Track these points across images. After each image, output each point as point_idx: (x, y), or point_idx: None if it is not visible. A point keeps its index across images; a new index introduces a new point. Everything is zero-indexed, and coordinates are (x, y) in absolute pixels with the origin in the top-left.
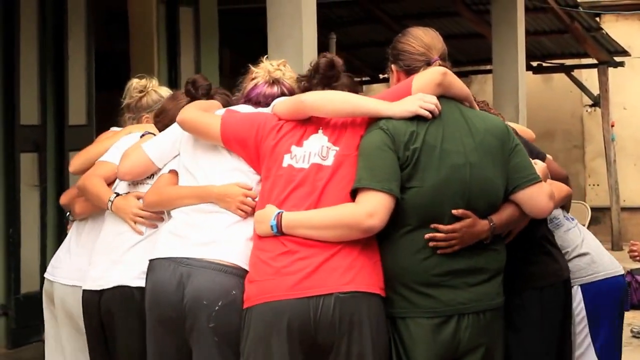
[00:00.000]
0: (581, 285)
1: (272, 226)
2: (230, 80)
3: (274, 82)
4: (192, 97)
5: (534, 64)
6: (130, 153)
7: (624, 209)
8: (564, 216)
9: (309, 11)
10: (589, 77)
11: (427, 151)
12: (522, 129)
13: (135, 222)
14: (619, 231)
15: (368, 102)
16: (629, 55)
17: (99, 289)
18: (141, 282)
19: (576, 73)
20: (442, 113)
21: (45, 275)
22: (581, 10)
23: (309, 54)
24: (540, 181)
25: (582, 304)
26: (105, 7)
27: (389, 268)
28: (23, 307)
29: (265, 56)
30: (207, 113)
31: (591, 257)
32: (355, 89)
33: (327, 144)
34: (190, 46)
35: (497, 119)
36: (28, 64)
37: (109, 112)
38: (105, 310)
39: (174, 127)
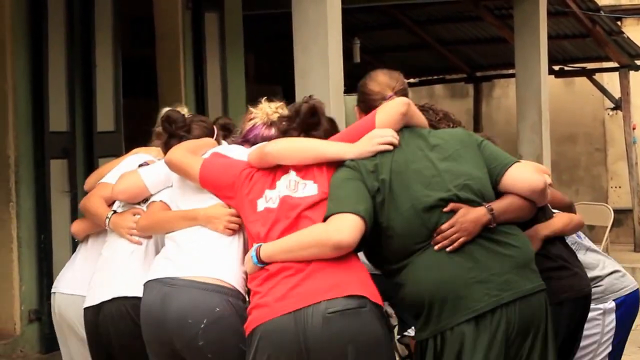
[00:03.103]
0: (615, 300)
1: (252, 257)
2: (255, 86)
3: (272, 124)
4: (170, 133)
5: (556, 67)
6: (127, 176)
7: None
8: (579, 236)
9: (334, 17)
10: (610, 81)
11: (397, 178)
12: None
13: (131, 235)
14: None
15: (330, 148)
16: None
17: (98, 302)
18: (139, 292)
19: (598, 76)
20: (403, 140)
21: (52, 289)
22: (602, 14)
23: (335, 60)
24: (518, 161)
25: (613, 316)
26: (131, 14)
27: (422, 288)
28: None
29: (264, 97)
30: (192, 155)
31: (622, 272)
32: (335, 132)
33: (295, 178)
34: (215, 52)
35: (455, 129)
36: (56, 72)
37: (136, 118)
38: (103, 328)
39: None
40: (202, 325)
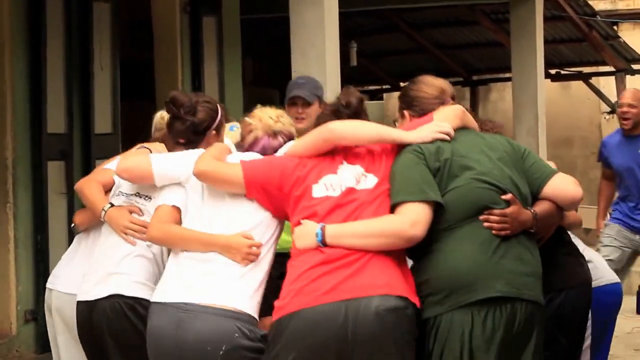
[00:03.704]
0: None
1: (317, 234)
2: (252, 89)
3: (276, 133)
4: (175, 116)
5: (553, 71)
6: (137, 155)
7: None
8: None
9: (331, 20)
10: (607, 85)
11: (457, 159)
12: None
13: (126, 234)
14: None
15: (391, 130)
16: None
17: (92, 299)
18: (135, 292)
19: (594, 80)
20: (460, 135)
21: (47, 284)
22: (599, 18)
23: (332, 63)
24: (558, 172)
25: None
26: (129, 17)
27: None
28: None
29: (259, 105)
30: (223, 162)
31: (594, 264)
32: (367, 118)
33: (361, 170)
34: (213, 55)
35: (502, 136)
36: (54, 74)
37: (134, 120)
38: (97, 325)
39: (186, 158)
40: (221, 352)
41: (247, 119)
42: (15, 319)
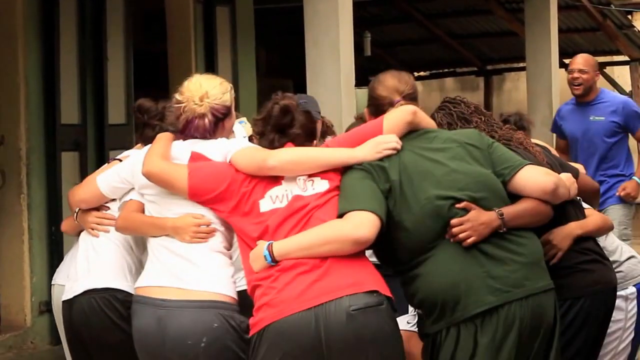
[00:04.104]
0: (635, 285)
1: (265, 256)
2: (266, 80)
3: (203, 114)
4: (144, 123)
5: (567, 61)
6: (85, 183)
7: None
8: None
9: (345, 10)
10: (621, 74)
11: (407, 178)
12: (551, 148)
13: (92, 229)
14: None
15: (335, 155)
16: None
17: (70, 297)
18: (108, 283)
19: (608, 70)
20: (408, 144)
21: (52, 280)
22: (613, 7)
23: (346, 53)
24: (529, 164)
25: (635, 302)
26: (143, 8)
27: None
28: None
29: (189, 78)
30: (171, 163)
31: (638, 258)
32: (312, 124)
33: (304, 177)
34: (227, 45)
35: (468, 130)
36: (68, 65)
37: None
38: (75, 322)
39: (125, 165)
40: (202, 344)
41: (177, 96)
42: (29, 311)
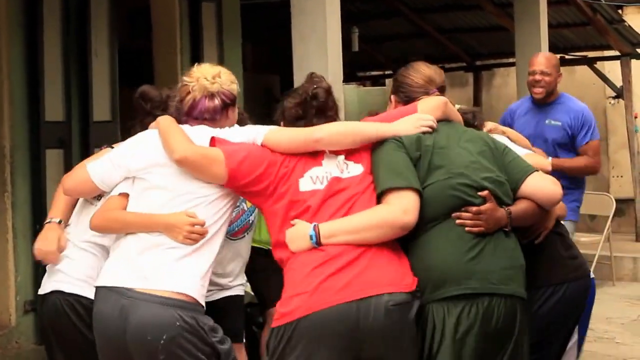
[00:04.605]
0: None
1: (311, 236)
2: (253, 75)
3: (213, 95)
4: (146, 112)
5: (557, 56)
6: (76, 171)
7: None
8: None
9: (332, 5)
10: (612, 69)
11: (437, 151)
12: (518, 136)
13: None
14: None
15: (378, 129)
16: None
17: (41, 293)
18: (74, 289)
19: (599, 65)
20: (442, 127)
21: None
22: (603, 2)
23: (333, 49)
24: (537, 171)
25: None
26: (128, 3)
27: (432, 264)
28: None
29: (197, 63)
30: (205, 148)
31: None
32: (338, 105)
33: (341, 158)
34: (213, 41)
35: (482, 132)
36: (52, 61)
37: (132, 108)
38: (43, 319)
39: (119, 152)
40: (162, 341)
41: (185, 78)
42: (14, 310)
